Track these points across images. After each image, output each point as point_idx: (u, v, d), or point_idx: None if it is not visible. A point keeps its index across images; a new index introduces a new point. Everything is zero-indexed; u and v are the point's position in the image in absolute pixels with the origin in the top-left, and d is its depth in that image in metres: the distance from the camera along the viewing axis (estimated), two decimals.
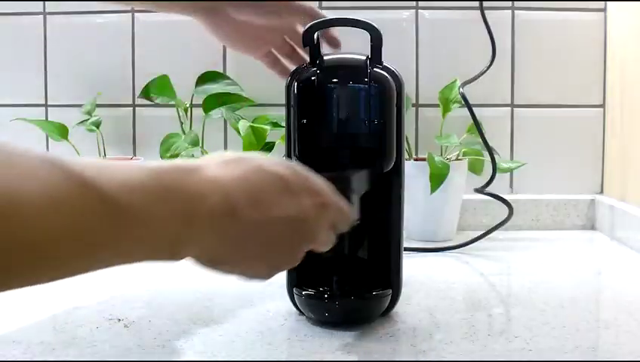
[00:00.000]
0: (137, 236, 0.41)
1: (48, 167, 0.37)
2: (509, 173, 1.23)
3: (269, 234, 0.49)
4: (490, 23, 1.07)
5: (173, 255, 0.45)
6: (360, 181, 0.63)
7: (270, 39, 0.80)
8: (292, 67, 0.79)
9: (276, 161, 0.51)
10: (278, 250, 0.51)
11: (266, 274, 0.54)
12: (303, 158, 0.65)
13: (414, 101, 1.24)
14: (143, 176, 0.42)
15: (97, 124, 1.16)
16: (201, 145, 1.10)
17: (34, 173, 0.36)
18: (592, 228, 1.21)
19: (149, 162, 0.44)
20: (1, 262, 0.35)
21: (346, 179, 0.59)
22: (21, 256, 0.36)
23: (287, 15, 0.75)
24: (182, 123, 1.14)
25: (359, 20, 0.69)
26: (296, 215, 0.50)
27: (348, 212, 0.55)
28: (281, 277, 0.71)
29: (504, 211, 1.04)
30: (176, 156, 1.07)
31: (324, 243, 0.54)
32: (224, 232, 0.46)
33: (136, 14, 1.24)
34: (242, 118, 1.10)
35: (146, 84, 1.15)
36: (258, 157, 0.50)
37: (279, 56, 0.83)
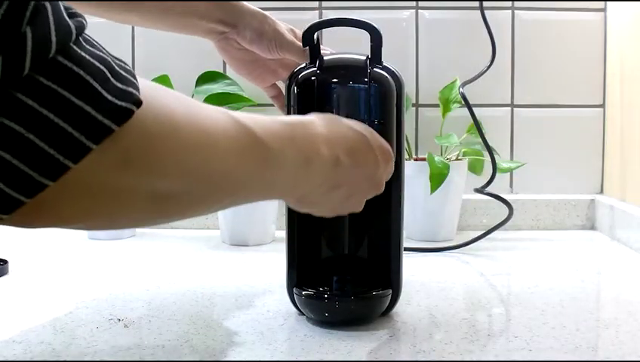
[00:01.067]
0: (274, 174, 0.50)
1: (224, 116, 0.46)
2: (509, 173, 1.23)
3: (355, 182, 0.58)
4: (490, 23, 1.07)
5: (289, 194, 0.56)
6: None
7: (276, 72, 0.80)
8: None
9: (355, 122, 0.60)
10: (355, 197, 0.60)
11: (335, 214, 0.62)
12: None
13: (414, 101, 1.24)
14: (282, 127, 0.51)
15: None
16: None
17: (216, 119, 0.45)
18: (592, 228, 1.21)
19: (279, 117, 0.53)
20: (199, 190, 0.44)
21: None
22: (211, 187, 0.45)
23: (283, 52, 0.76)
24: None
25: (359, 20, 0.69)
26: (374, 166, 0.59)
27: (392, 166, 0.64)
28: (281, 277, 0.71)
29: (504, 211, 1.04)
30: None
31: (381, 190, 0.62)
32: (327, 178, 0.55)
33: None
34: None
35: None
36: (342, 118, 0.60)
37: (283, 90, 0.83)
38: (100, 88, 0.36)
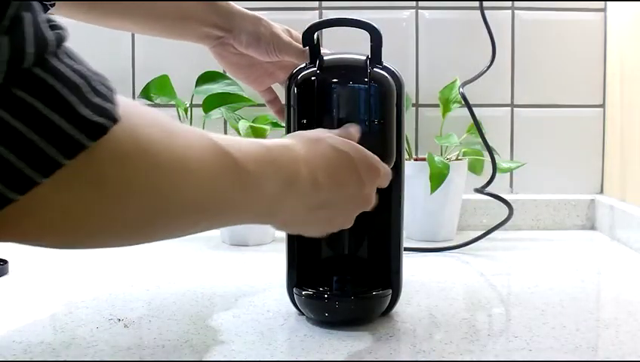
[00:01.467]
0: (253, 198, 0.50)
1: (202, 140, 0.46)
2: (509, 173, 1.23)
3: (338, 203, 0.58)
4: (490, 23, 1.07)
5: (271, 218, 0.56)
6: None
7: (274, 74, 0.80)
8: None
9: (341, 140, 0.59)
10: (341, 216, 0.60)
11: (324, 233, 0.61)
12: None
13: (414, 101, 1.24)
14: (261, 150, 0.51)
15: None
16: None
17: (193, 142, 0.45)
18: (592, 228, 1.21)
19: (258, 140, 0.53)
20: (171, 214, 0.44)
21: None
22: (183, 211, 0.44)
23: (282, 54, 0.76)
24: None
25: (359, 20, 0.69)
26: (357, 186, 0.58)
27: (389, 174, 0.63)
28: (281, 277, 0.71)
29: (504, 211, 1.04)
30: None
31: (369, 207, 0.61)
32: (308, 200, 0.55)
33: None
34: (242, 118, 1.10)
35: (146, 84, 1.15)
36: (327, 136, 0.59)
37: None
38: (75, 102, 0.35)
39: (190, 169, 0.43)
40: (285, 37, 0.76)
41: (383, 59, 0.68)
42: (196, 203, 0.45)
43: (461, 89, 1.08)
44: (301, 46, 0.73)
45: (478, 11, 1.07)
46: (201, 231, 0.50)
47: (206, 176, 0.45)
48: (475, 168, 1.14)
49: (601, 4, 1.23)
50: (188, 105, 1.14)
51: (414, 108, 1.24)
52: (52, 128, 0.34)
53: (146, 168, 0.40)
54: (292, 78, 0.68)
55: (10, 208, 0.35)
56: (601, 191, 1.24)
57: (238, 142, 0.49)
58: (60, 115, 0.35)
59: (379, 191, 0.69)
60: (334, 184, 0.56)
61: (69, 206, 0.37)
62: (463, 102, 1.06)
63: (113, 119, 0.37)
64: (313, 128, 0.65)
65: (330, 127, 0.64)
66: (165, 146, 0.42)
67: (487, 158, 1.07)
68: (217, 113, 1.10)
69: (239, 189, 0.48)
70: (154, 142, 0.41)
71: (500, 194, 1.04)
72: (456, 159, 1.13)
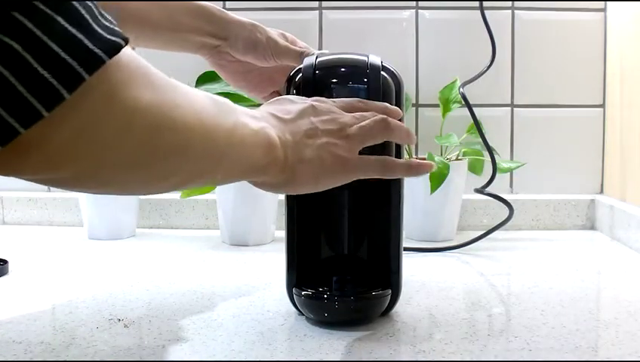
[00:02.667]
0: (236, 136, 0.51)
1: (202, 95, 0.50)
2: (509, 173, 1.23)
3: (323, 123, 0.58)
4: (490, 23, 1.07)
5: (270, 149, 0.54)
6: None
7: (273, 78, 0.80)
8: None
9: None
10: (340, 141, 0.58)
11: (339, 175, 0.59)
12: None
13: (414, 101, 1.24)
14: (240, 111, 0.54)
15: None
16: None
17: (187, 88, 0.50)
18: (592, 228, 1.21)
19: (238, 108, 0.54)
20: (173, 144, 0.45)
21: None
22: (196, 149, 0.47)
23: (280, 58, 0.76)
24: None
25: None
26: (334, 109, 0.59)
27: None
28: (281, 277, 0.71)
29: (504, 211, 1.04)
30: None
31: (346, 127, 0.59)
32: (284, 131, 0.56)
33: None
34: None
35: None
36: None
37: None
38: (91, 20, 0.37)
39: (190, 98, 0.48)
40: (282, 41, 0.76)
41: (383, 59, 0.68)
42: (195, 138, 0.47)
43: (461, 89, 1.08)
44: (298, 49, 0.74)
45: (478, 11, 1.07)
46: (205, 180, 0.52)
47: (202, 106, 0.48)
48: (475, 168, 1.14)
49: (601, 4, 1.23)
50: None
51: (414, 108, 1.24)
52: (75, 43, 0.36)
53: (152, 84, 0.43)
54: (290, 79, 0.68)
55: (35, 131, 0.36)
56: (601, 191, 1.24)
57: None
58: (79, 31, 0.36)
59: (379, 191, 0.69)
60: (285, 114, 0.58)
61: (78, 133, 0.38)
62: (463, 102, 1.06)
63: (124, 39, 0.39)
64: None
65: None
66: (163, 77, 0.45)
67: (487, 158, 1.07)
68: None
69: (230, 118, 0.51)
70: (152, 69, 0.44)
71: (500, 194, 1.04)
72: (456, 159, 1.13)
